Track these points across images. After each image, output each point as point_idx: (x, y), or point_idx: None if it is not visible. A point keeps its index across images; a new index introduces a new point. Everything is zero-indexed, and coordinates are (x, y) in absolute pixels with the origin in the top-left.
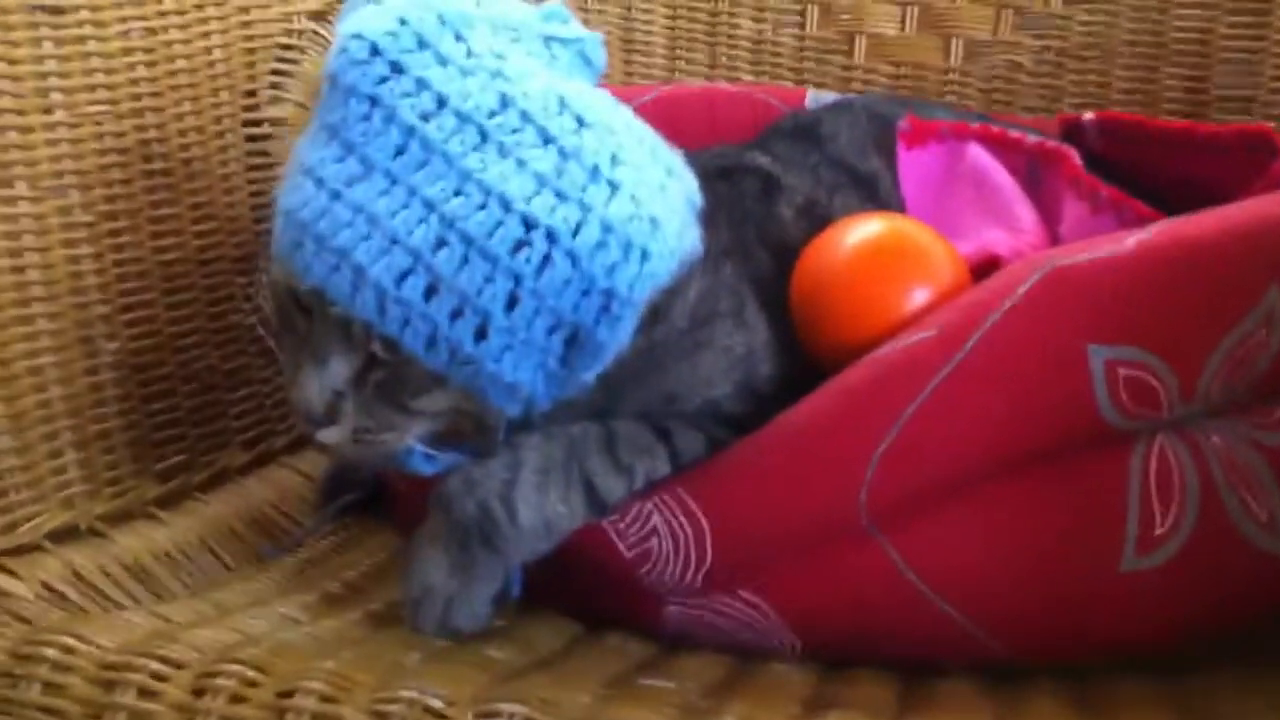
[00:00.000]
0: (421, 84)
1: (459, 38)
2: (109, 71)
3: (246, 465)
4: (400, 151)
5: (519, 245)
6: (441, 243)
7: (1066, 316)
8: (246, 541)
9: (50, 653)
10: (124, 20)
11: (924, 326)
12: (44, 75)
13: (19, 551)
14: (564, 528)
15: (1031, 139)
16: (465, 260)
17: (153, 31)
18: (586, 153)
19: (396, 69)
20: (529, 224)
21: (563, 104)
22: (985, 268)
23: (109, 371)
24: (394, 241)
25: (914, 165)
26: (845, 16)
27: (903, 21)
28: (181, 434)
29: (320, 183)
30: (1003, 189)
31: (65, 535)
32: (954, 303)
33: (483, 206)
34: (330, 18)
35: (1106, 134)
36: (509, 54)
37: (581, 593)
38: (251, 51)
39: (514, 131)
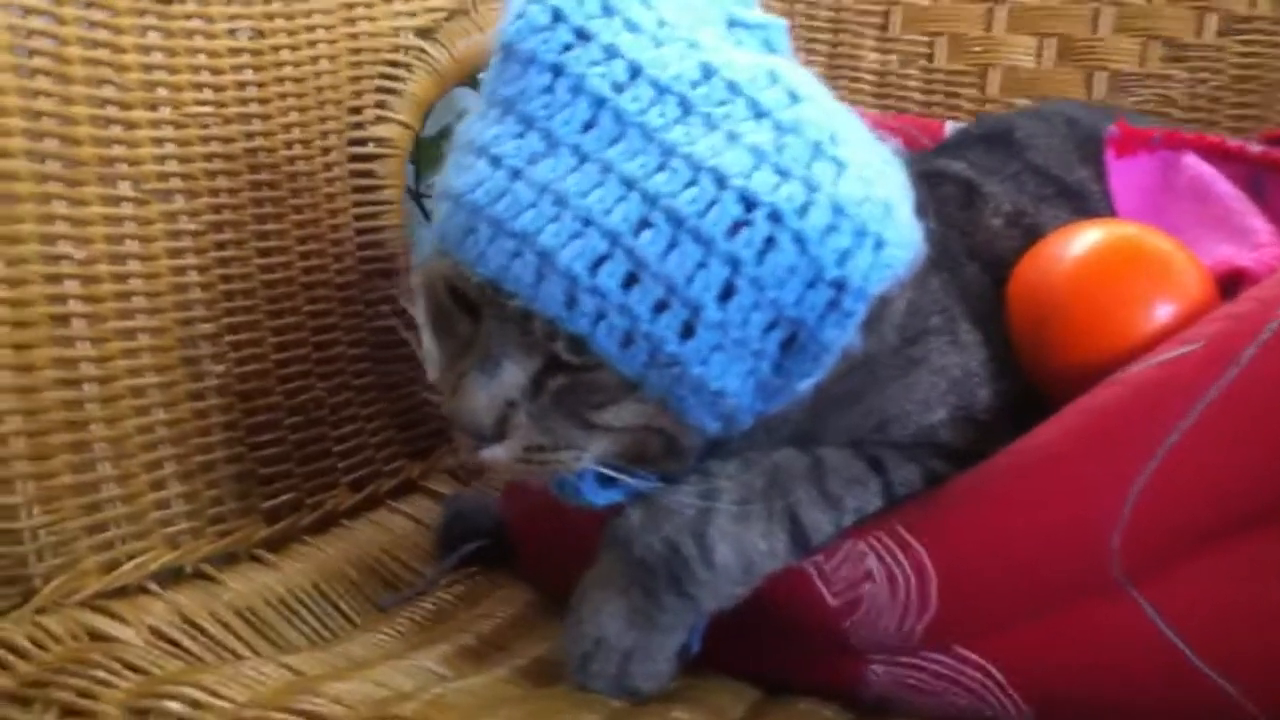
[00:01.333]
0: (611, 51)
1: (647, 4)
2: (216, 71)
3: (353, 509)
4: (590, 125)
5: (737, 226)
6: (645, 224)
7: None
8: (362, 589)
9: (174, 706)
10: (232, 18)
11: (1186, 339)
12: (149, 68)
13: (122, 594)
14: (764, 569)
15: (1256, 148)
16: (673, 243)
17: (261, 34)
18: (806, 127)
19: (582, 35)
20: (749, 202)
21: (773, 77)
22: (1228, 283)
23: (215, 397)
24: (587, 223)
25: (1126, 175)
26: (977, 49)
27: (1039, 54)
28: (288, 471)
29: (496, 161)
30: (1228, 199)
31: (170, 578)
32: (1221, 311)
33: (692, 183)
34: (438, 36)
35: None
36: (699, 30)
37: (763, 652)
38: (358, 65)
39: (721, 103)
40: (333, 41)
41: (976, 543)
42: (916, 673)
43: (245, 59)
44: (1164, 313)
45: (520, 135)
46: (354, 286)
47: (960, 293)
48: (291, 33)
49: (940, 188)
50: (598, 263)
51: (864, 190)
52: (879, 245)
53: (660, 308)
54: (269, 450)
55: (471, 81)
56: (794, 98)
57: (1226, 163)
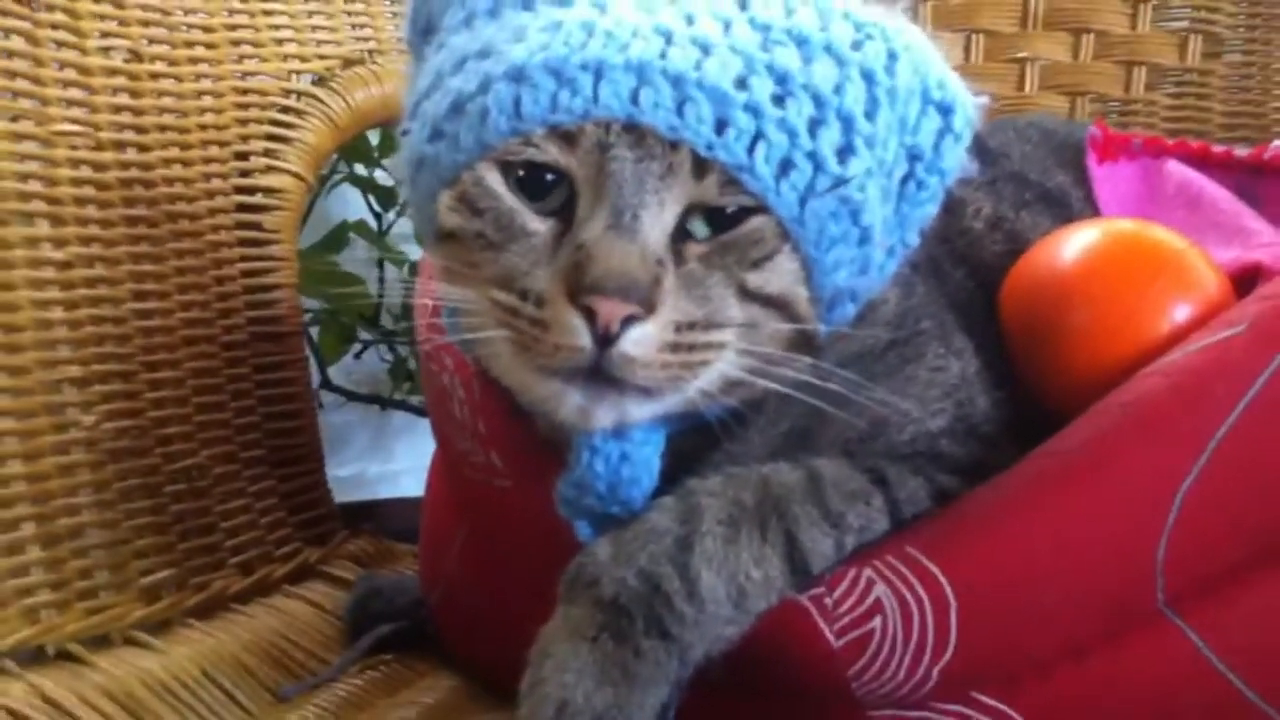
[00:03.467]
0: None
1: None
2: (88, 89)
3: (244, 592)
4: None
5: (858, 43)
6: (770, 43)
7: None
8: (258, 677)
9: None
10: (104, 35)
11: (1224, 324)
12: (11, 74)
13: None
14: (759, 601)
15: (1243, 152)
16: (808, 58)
17: (138, 57)
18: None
19: None
20: (858, 23)
21: None
22: (1245, 280)
23: (82, 452)
24: (708, 47)
25: (1110, 181)
26: None
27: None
28: (167, 545)
29: (554, 26)
30: (1220, 202)
31: (31, 658)
32: (1259, 294)
33: (792, 12)
34: (333, 84)
35: None
36: None
37: (743, 714)
38: (245, 107)
39: None
40: (218, 77)
41: (1003, 564)
42: None
43: (121, 81)
44: (1182, 313)
45: (561, 4)
46: (243, 347)
47: (948, 299)
48: (172, 61)
49: None
50: (743, 79)
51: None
52: (958, 80)
53: (816, 124)
54: (145, 519)
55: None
56: None
57: (1212, 169)
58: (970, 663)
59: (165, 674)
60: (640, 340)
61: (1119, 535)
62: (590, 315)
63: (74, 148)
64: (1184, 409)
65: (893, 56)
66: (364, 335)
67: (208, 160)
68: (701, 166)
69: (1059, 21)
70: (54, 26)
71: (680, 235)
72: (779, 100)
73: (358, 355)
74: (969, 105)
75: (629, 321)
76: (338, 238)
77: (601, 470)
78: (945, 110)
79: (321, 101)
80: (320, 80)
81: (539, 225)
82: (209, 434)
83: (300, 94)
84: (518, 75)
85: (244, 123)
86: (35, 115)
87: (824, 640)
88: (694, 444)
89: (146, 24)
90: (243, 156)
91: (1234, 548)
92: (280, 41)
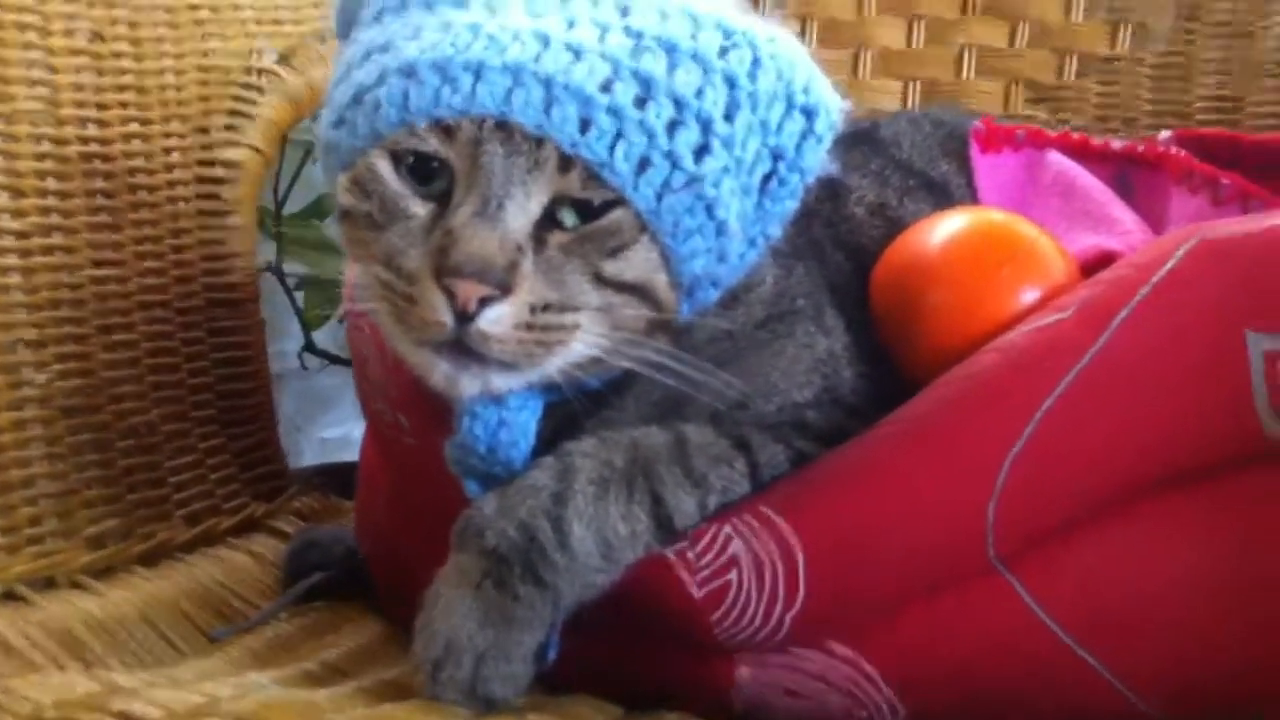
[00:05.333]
0: None
1: None
2: (50, 69)
3: (189, 542)
4: None
5: (724, 50)
6: (640, 50)
7: (1220, 295)
8: (194, 620)
9: None
10: (69, 17)
11: (1058, 307)
12: None
13: None
14: (625, 554)
15: (1119, 144)
16: (674, 65)
17: (100, 37)
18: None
19: None
20: (727, 30)
21: None
22: (1097, 266)
23: (35, 408)
24: (580, 52)
25: (992, 171)
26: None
27: (904, 98)
28: (115, 495)
29: (445, 27)
30: (1094, 193)
31: None
32: (1093, 280)
33: (666, 18)
34: (294, 61)
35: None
36: None
37: (623, 662)
38: (206, 84)
39: None
40: (180, 55)
41: (847, 521)
42: (787, 673)
43: (84, 61)
44: (1029, 297)
45: (456, 6)
46: (198, 312)
47: (826, 280)
48: (135, 41)
49: None
50: (607, 83)
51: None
52: (826, 84)
53: (674, 125)
54: (94, 472)
55: None
56: None
57: (1090, 160)
58: (819, 612)
59: (104, 615)
60: (496, 319)
61: (952, 496)
62: (451, 294)
63: (34, 124)
64: (1015, 383)
65: (757, 63)
66: None
67: (168, 135)
68: (566, 162)
69: (998, 9)
70: (19, 9)
71: (548, 224)
72: (641, 103)
73: (341, 319)
74: (833, 109)
75: (486, 301)
76: (322, 205)
77: (481, 434)
78: (809, 113)
79: (282, 78)
80: (282, 58)
81: (419, 209)
82: (161, 394)
83: (262, 71)
84: (409, 71)
85: (206, 99)
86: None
87: (687, 590)
88: (574, 409)
89: (111, 5)
90: (203, 130)
91: (1057, 509)
92: (243, 21)
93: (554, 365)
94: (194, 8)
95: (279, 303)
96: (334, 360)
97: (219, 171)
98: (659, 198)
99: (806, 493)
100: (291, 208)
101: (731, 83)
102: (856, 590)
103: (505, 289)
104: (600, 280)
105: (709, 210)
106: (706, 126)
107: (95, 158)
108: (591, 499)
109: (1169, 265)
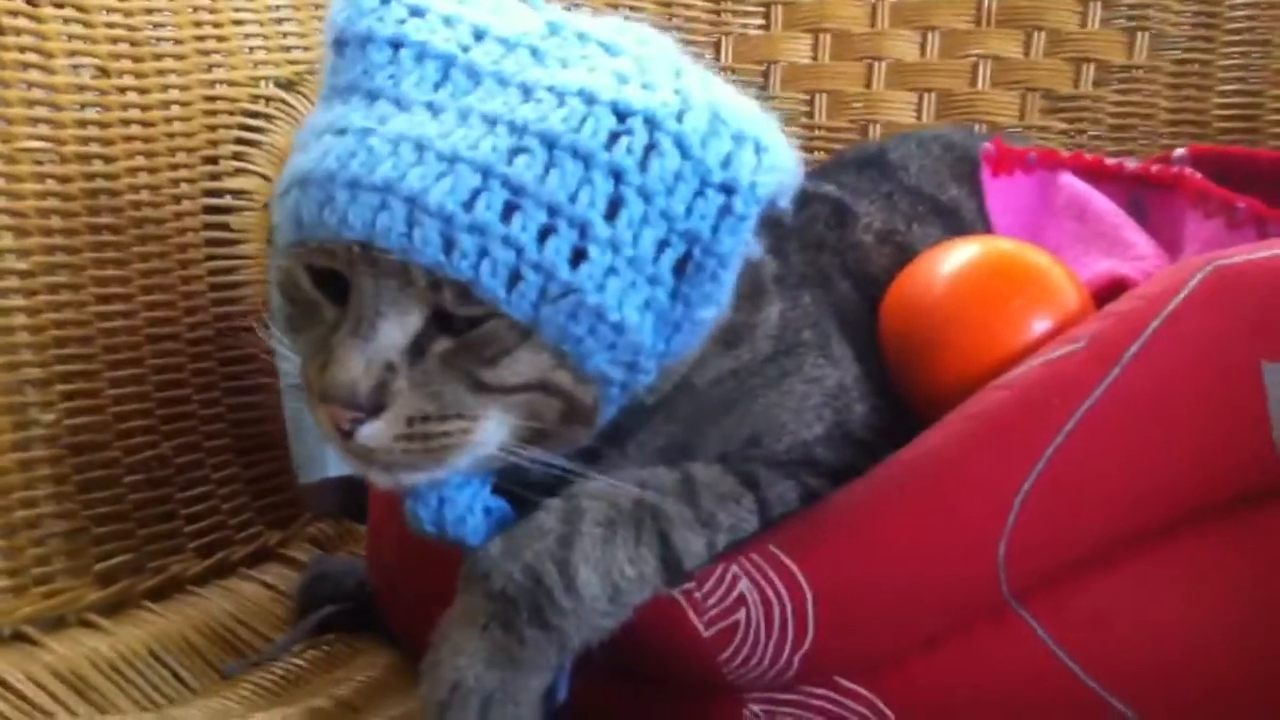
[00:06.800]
0: (451, 20)
1: None
2: (54, 107)
3: (201, 575)
4: (441, 84)
5: (615, 136)
6: (517, 150)
7: (1235, 325)
8: (205, 656)
9: None
10: (72, 55)
11: (1068, 339)
12: None
13: None
14: (633, 596)
15: (1132, 165)
16: (550, 164)
17: (105, 73)
18: (665, 55)
19: (416, 11)
20: (623, 112)
21: (621, 27)
22: (1110, 293)
23: (42, 448)
24: (454, 161)
25: (1004, 194)
26: (858, 105)
27: (919, 109)
28: (126, 531)
29: (343, 132)
30: (1107, 216)
31: None
32: (1104, 311)
33: (560, 105)
34: (301, 88)
35: (1201, 171)
36: None
37: (634, 700)
38: (213, 114)
39: (574, 48)
40: (186, 87)
41: (855, 560)
42: (797, 710)
43: (88, 97)
44: (1041, 328)
45: (368, 106)
46: (208, 342)
47: (833, 310)
48: (140, 75)
49: (810, 208)
50: (472, 198)
51: (735, 98)
52: (760, 148)
53: (546, 234)
54: (104, 508)
55: None
56: (644, 40)
57: (1104, 182)
58: (828, 651)
59: (114, 654)
60: (371, 435)
61: (962, 534)
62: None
63: (38, 163)
64: (1024, 420)
65: (652, 149)
66: None
67: (175, 167)
68: (436, 280)
69: (1012, 19)
70: (21, 49)
71: (431, 332)
72: (508, 214)
73: None
74: (763, 182)
75: (358, 421)
76: None
77: (425, 514)
78: (728, 190)
79: (289, 105)
80: (288, 84)
81: (330, 315)
82: (172, 426)
83: (268, 99)
84: (303, 183)
85: (212, 128)
86: (3, 135)
87: (695, 631)
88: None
89: (115, 40)
90: (211, 161)
91: (1071, 547)
92: (250, 49)
93: (462, 462)
94: (200, 38)
95: None
96: None
97: (227, 200)
98: (535, 308)
99: (814, 532)
100: None
101: (617, 176)
102: (867, 629)
103: (376, 409)
104: (480, 386)
105: (597, 315)
106: (584, 231)
107: (101, 193)
108: (598, 541)
109: (1181, 295)
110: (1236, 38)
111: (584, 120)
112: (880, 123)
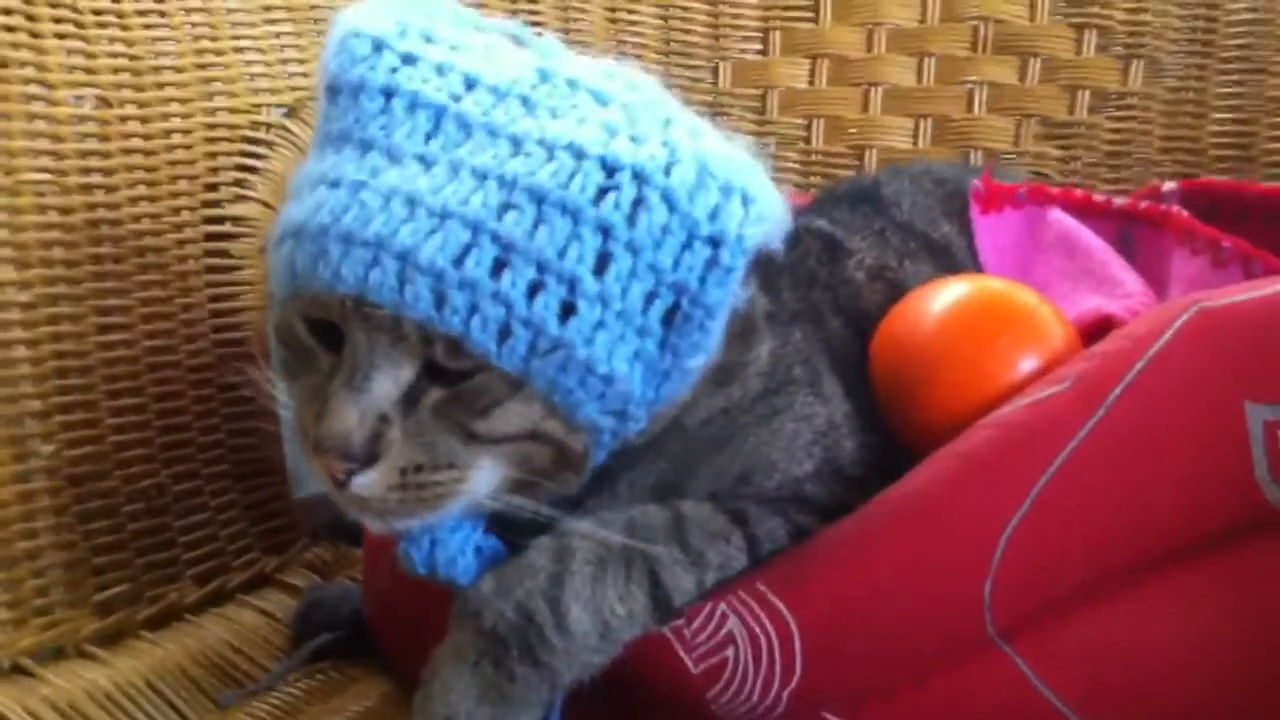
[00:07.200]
0: (443, 69)
1: (466, 30)
2: (56, 138)
3: (199, 603)
4: (432, 135)
5: (603, 192)
6: (506, 206)
7: (1218, 366)
8: (202, 687)
9: None
10: (74, 86)
11: (1054, 380)
12: None
13: None
14: (623, 634)
15: (1121, 201)
16: (540, 220)
17: (107, 103)
18: (654, 105)
19: (409, 60)
20: (611, 167)
21: (610, 74)
22: (1097, 331)
23: (42, 480)
24: (444, 217)
25: (992, 231)
26: (854, 130)
27: (915, 134)
28: (124, 561)
29: (336, 184)
30: (1096, 252)
31: None
32: (1089, 352)
33: (550, 159)
34: (302, 115)
35: (1192, 205)
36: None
37: None
38: (214, 141)
39: (565, 97)
40: (187, 116)
41: (842, 599)
42: None
43: (90, 128)
44: (1028, 366)
45: (360, 157)
46: (208, 369)
47: (824, 346)
48: (142, 105)
49: (803, 243)
50: (462, 254)
51: (724, 150)
52: (748, 199)
53: (535, 289)
54: (103, 539)
55: None
56: (634, 87)
57: (1093, 218)
58: (816, 688)
59: (110, 685)
60: (365, 485)
61: (947, 573)
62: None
63: (40, 194)
64: (1010, 460)
65: (640, 203)
66: None
67: (176, 195)
68: (428, 335)
69: (1008, 46)
70: (24, 81)
71: (424, 383)
72: (498, 270)
73: None
74: (748, 234)
75: (352, 472)
76: None
77: (417, 556)
78: (715, 242)
79: (290, 132)
80: (290, 112)
81: (326, 364)
82: (171, 454)
83: (269, 125)
84: (297, 235)
85: (213, 155)
86: (3, 167)
87: (684, 667)
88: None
89: (116, 70)
90: (212, 188)
91: (1056, 585)
92: (252, 76)
93: (455, 508)
94: (202, 67)
95: None
96: None
97: (228, 228)
98: (526, 362)
99: (802, 570)
100: None
101: (606, 231)
102: (853, 667)
103: (369, 459)
104: (472, 437)
105: (587, 367)
106: (572, 286)
107: (102, 223)
108: (589, 580)
109: (1166, 337)
110: (1231, 65)
111: (572, 176)
112: (877, 148)
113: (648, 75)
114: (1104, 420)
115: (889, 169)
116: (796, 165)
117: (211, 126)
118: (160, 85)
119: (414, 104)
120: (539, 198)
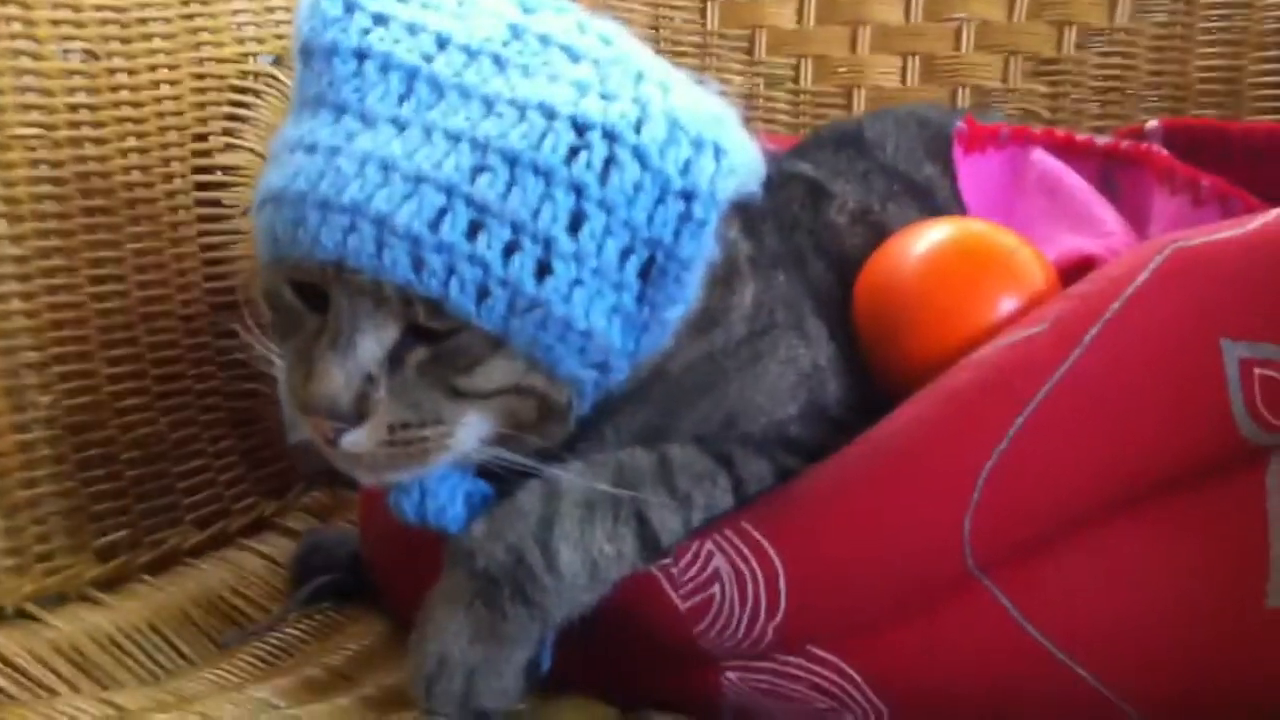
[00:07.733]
0: (414, 28)
1: None
2: (45, 92)
3: (199, 546)
4: (405, 97)
5: (574, 151)
6: (479, 169)
7: (1194, 305)
8: (203, 628)
9: None
10: (62, 39)
11: (1033, 321)
12: None
13: None
14: (612, 573)
15: (1103, 140)
16: (512, 181)
17: (94, 56)
18: (625, 60)
19: (380, 20)
20: (581, 126)
21: (582, 27)
22: (1077, 271)
23: (41, 430)
24: (419, 181)
25: (975, 171)
26: (843, 70)
27: (903, 73)
28: (123, 507)
29: (312, 149)
30: (1077, 192)
31: None
32: (1067, 293)
33: (521, 120)
34: (290, 63)
35: (1174, 144)
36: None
37: (616, 667)
38: (202, 91)
39: (536, 54)
40: (174, 67)
41: (825, 536)
42: (771, 677)
43: (78, 81)
44: (1008, 308)
45: (335, 121)
46: (201, 318)
47: (806, 289)
48: (129, 56)
49: (786, 188)
50: (438, 218)
51: (694, 103)
52: (719, 152)
53: (511, 250)
54: (102, 486)
55: None
56: (606, 41)
57: (1075, 157)
58: (801, 623)
59: (113, 628)
60: (355, 442)
61: (927, 510)
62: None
63: (30, 149)
64: (988, 400)
65: (611, 161)
66: None
67: (165, 145)
68: (408, 297)
69: None
70: (11, 36)
71: (408, 343)
72: (473, 232)
73: None
74: (721, 187)
75: (341, 430)
76: None
77: (408, 506)
78: (688, 197)
79: (279, 80)
80: (278, 60)
81: (313, 324)
82: (168, 402)
83: (258, 74)
84: (276, 201)
85: (201, 105)
86: None
87: (673, 605)
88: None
89: (104, 23)
90: (201, 138)
91: (1035, 522)
92: (238, 25)
93: (443, 461)
94: (188, 17)
95: None
96: None
97: (218, 177)
98: (505, 321)
99: (786, 509)
100: None
101: (579, 191)
102: (837, 602)
103: (358, 418)
104: (456, 393)
105: (565, 324)
106: (548, 246)
107: (93, 175)
108: (578, 521)
109: (1142, 277)
110: (1217, 1)
111: (544, 136)
112: (865, 87)
113: (620, 25)
114: (1081, 360)
115: (873, 112)
116: (785, 105)
117: (199, 76)
118: (147, 36)
119: (386, 66)
120: (511, 159)
